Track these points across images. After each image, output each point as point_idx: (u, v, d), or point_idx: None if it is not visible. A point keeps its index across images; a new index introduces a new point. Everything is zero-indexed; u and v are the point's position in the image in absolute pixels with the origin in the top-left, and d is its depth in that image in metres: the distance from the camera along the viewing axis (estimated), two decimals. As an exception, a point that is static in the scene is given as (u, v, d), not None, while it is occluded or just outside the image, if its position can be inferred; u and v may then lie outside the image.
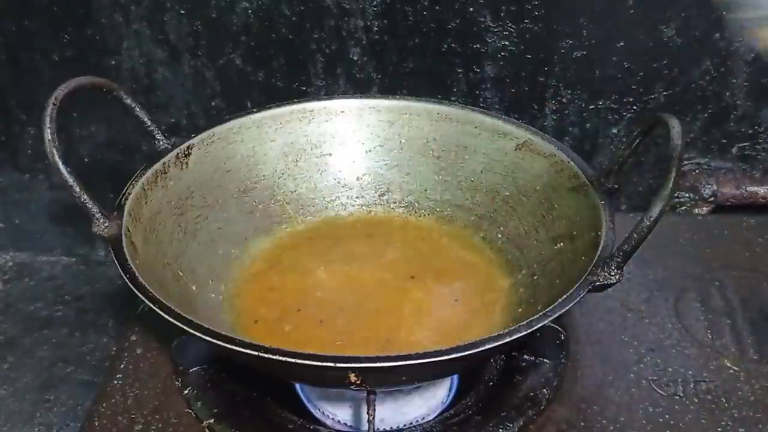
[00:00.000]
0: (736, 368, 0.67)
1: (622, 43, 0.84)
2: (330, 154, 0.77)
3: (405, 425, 0.64)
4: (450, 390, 0.67)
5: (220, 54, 0.89)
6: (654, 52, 0.84)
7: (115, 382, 0.66)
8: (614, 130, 0.90)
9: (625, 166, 0.66)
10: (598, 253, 0.58)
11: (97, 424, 0.63)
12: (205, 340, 0.53)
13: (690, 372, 0.67)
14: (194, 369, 0.65)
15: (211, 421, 0.62)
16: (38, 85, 0.93)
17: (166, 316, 0.54)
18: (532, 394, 0.63)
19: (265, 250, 0.73)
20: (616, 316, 0.72)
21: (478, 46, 0.86)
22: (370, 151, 0.77)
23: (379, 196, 0.78)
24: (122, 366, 0.68)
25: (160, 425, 0.62)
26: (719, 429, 0.62)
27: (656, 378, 0.66)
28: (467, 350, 0.51)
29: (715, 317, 0.72)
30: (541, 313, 0.54)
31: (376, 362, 0.52)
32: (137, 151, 0.96)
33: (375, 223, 0.77)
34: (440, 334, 0.64)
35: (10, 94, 0.95)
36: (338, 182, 0.77)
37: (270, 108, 0.76)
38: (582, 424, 0.62)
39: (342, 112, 0.77)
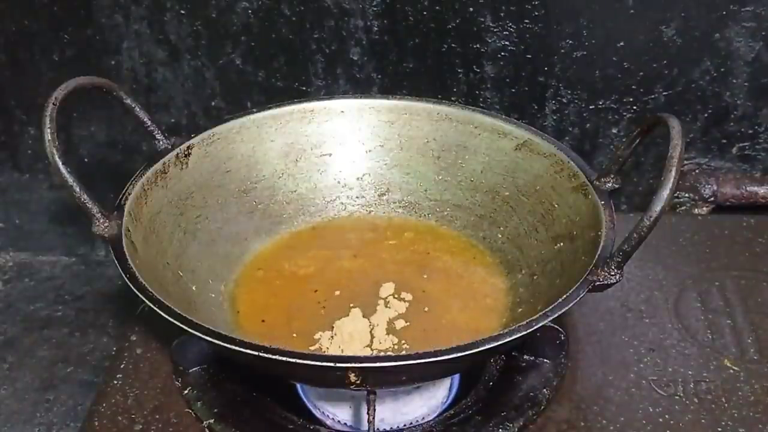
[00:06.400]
0: (736, 368, 0.67)
1: (622, 43, 0.84)
2: (330, 154, 0.77)
3: (405, 425, 0.64)
4: (450, 390, 0.67)
5: (220, 54, 0.89)
6: (654, 52, 0.84)
7: (115, 382, 0.66)
8: (614, 130, 0.90)
9: (625, 166, 0.66)
10: (598, 253, 0.58)
11: (97, 424, 0.63)
12: (205, 340, 0.53)
13: (690, 372, 0.67)
14: (194, 369, 0.65)
15: (211, 421, 0.62)
16: (38, 85, 0.93)
17: (166, 316, 0.54)
18: (532, 394, 0.63)
19: (265, 250, 0.73)
20: (616, 316, 0.72)
21: (478, 46, 0.86)
22: (370, 151, 0.77)
23: (379, 196, 0.78)
24: (122, 366, 0.68)
25: (160, 425, 0.62)
26: (719, 429, 0.62)
27: (656, 378, 0.66)
28: (467, 350, 0.51)
29: (715, 317, 0.72)
30: (541, 313, 0.54)
31: (376, 362, 0.52)
32: (137, 151, 0.96)
33: (375, 223, 0.77)
34: (440, 334, 0.64)
35: (10, 94, 0.95)
36: (338, 182, 0.77)
37: (270, 108, 0.76)
38: (582, 424, 0.62)
39: (342, 112, 0.77)
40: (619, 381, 0.66)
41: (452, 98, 0.88)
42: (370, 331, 0.63)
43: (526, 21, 0.84)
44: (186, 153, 0.70)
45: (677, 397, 0.64)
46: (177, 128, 0.93)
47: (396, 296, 0.67)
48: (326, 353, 0.61)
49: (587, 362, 0.67)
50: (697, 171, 0.91)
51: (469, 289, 0.69)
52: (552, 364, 0.65)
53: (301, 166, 0.76)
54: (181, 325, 0.53)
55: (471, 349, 0.51)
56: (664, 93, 0.87)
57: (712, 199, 0.90)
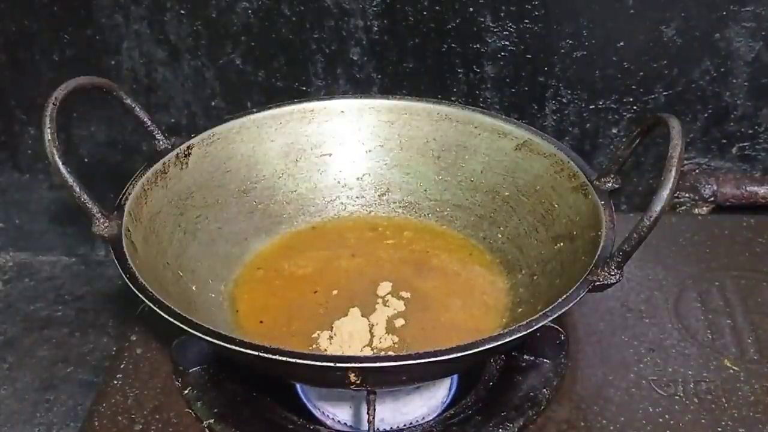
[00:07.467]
0: (736, 368, 0.67)
1: (622, 43, 0.84)
2: (330, 154, 0.77)
3: (405, 425, 0.64)
4: (450, 390, 0.67)
5: (220, 54, 0.89)
6: (654, 52, 0.84)
7: (115, 382, 0.66)
8: (614, 130, 0.90)
9: (625, 166, 0.67)
10: (598, 252, 0.58)
11: (97, 424, 0.63)
12: (205, 340, 0.53)
13: (690, 372, 0.67)
14: (194, 369, 0.65)
15: (211, 421, 0.62)
16: (38, 85, 0.93)
17: (166, 316, 0.54)
18: (532, 394, 0.63)
19: (265, 250, 0.73)
20: (616, 316, 0.72)
21: (478, 46, 0.86)
22: (370, 151, 0.77)
23: (379, 196, 0.78)
24: (122, 366, 0.68)
25: (160, 425, 0.62)
26: (719, 429, 0.62)
27: (656, 378, 0.66)
28: (467, 350, 0.51)
29: (715, 317, 0.72)
30: (541, 313, 0.54)
31: (376, 362, 0.52)
32: (137, 151, 0.96)
33: (375, 223, 0.77)
34: (439, 333, 0.64)
35: (10, 94, 0.95)
36: (338, 182, 0.77)
37: (270, 108, 0.76)
38: (582, 424, 0.62)
39: (342, 112, 0.77)
40: (619, 381, 0.66)
41: (452, 98, 0.88)
42: (370, 330, 0.63)
43: (526, 21, 0.84)
44: (186, 153, 0.70)
45: (677, 397, 0.64)
46: (177, 128, 0.93)
47: (394, 295, 0.67)
48: (326, 353, 0.61)
49: (587, 362, 0.67)
50: (697, 171, 0.91)
51: (469, 288, 0.69)
52: (552, 364, 0.65)
53: (301, 166, 0.76)
54: (181, 325, 0.53)
55: (471, 349, 0.51)
56: (664, 93, 0.87)
57: (712, 199, 0.90)
